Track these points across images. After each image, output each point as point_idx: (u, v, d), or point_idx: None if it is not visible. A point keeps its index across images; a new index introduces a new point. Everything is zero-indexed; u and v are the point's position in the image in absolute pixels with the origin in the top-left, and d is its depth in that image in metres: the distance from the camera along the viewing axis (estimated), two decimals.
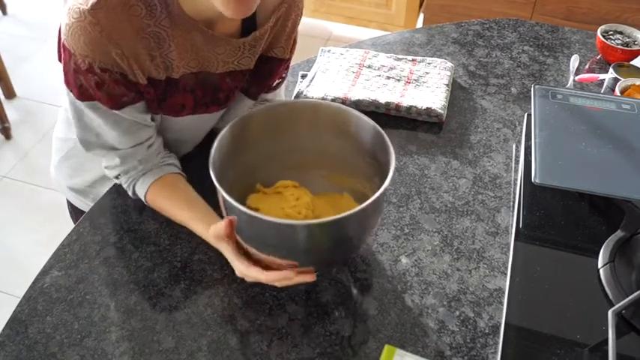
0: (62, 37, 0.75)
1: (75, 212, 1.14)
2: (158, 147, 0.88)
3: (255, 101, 0.98)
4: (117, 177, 0.88)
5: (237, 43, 0.85)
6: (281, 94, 1.04)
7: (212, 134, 0.99)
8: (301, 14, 0.93)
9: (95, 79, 0.76)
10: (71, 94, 0.79)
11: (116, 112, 0.80)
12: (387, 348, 0.59)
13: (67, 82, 0.79)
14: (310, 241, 0.70)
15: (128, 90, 0.79)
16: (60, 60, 0.80)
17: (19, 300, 0.79)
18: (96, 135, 0.83)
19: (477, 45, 1.34)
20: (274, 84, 0.98)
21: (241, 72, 0.90)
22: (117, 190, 0.93)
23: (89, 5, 0.71)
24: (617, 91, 1.11)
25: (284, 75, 1.00)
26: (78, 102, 0.79)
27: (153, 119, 0.88)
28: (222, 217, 0.78)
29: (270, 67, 0.93)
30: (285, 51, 0.93)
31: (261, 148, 0.86)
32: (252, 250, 0.73)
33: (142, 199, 0.88)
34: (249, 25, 0.86)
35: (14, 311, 0.78)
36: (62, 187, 1.08)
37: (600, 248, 0.84)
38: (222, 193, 0.69)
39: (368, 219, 0.73)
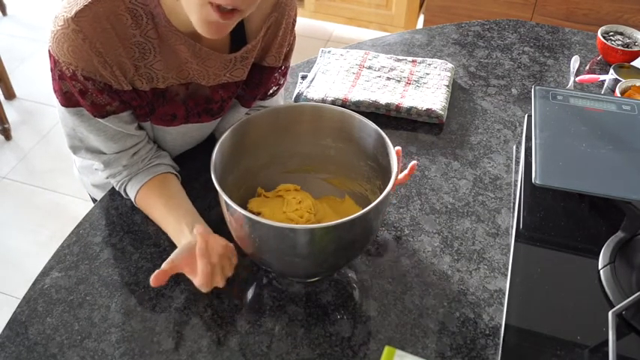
0: (48, 44, 0.75)
1: None
2: (145, 153, 0.88)
3: (249, 109, 0.98)
4: (107, 177, 0.89)
5: (228, 58, 0.85)
6: (279, 101, 1.03)
7: (213, 138, 1.00)
8: (294, 22, 0.92)
9: (79, 87, 0.76)
10: (57, 100, 0.80)
11: (100, 120, 0.80)
12: (387, 349, 0.59)
13: (54, 89, 0.79)
14: (313, 245, 0.70)
15: (112, 99, 0.79)
16: None
17: (18, 301, 0.79)
18: (80, 140, 0.84)
19: (477, 46, 1.34)
20: (270, 91, 0.98)
21: (234, 83, 0.90)
22: (116, 191, 0.93)
23: (73, 13, 0.71)
24: (618, 92, 1.11)
25: (281, 82, 0.98)
26: (63, 108, 0.80)
27: (141, 127, 0.88)
28: (221, 220, 0.78)
29: (261, 76, 0.93)
30: (277, 59, 0.92)
31: (262, 152, 0.86)
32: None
33: (133, 201, 0.89)
34: (238, 36, 0.86)
35: (14, 312, 0.78)
36: (87, 186, 1.09)
37: (601, 249, 0.84)
38: (224, 197, 0.69)
39: (370, 223, 0.73)
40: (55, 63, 0.76)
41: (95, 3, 0.72)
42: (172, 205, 0.84)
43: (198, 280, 0.73)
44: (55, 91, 0.79)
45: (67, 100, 0.78)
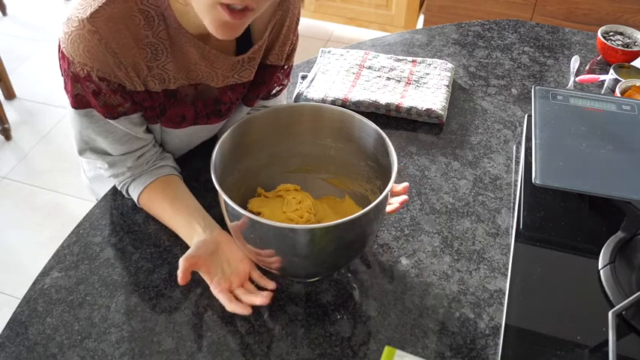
0: (61, 45, 0.75)
1: None
2: (150, 156, 0.88)
3: (251, 107, 0.98)
4: (110, 177, 0.89)
5: (235, 59, 0.85)
6: (282, 101, 1.03)
7: (214, 137, 1.00)
8: (297, 21, 0.92)
9: (92, 88, 0.76)
10: (68, 101, 0.80)
11: (110, 121, 0.80)
12: (387, 349, 0.59)
13: (65, 89, 0.80)
14: (313, 245, 0.70)
15: (124, 100, 0.79)
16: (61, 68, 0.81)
17: (19, 301, 0.79)
18: (86, 142, 0.84)
19: (477, 46, 1.34)
20: (273, 91, 0.98)
21: (242, 84, 0.90)
22: (117, 191, 0.93)
23: (88, 14, 0.72)
24: (618, 92, 1.11)
25: (284, 82, 0.99)
26: (73, 109, 0.80)
27: (150, 130, 0.88)
28: (220, 220, 0.78)
29: (264, 74, 0.93)
30: (280, 57, 0.92)
31: (262, 152, 0.86)
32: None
33: (136, 202, 0.89)
34: (244, 37, 0.86)
35: (14, 312, 0.78)
36: (97, 195, 1.10)
37: (600, 249, 0.84)
38: (223, 197, 0.69)
39: (370, 223, 0.73)
40: (68, 64, 0.76)
41: (109, 4, 0.72)
42: (180, 205, 0.85)
43: (228, 307, 0.75)
44: (67, 92, 0.79)
45: (78, 101, 0.79)
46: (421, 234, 0.89)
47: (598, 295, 0.79)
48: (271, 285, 0.77)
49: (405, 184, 0.86)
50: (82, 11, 0.72)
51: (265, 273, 0.82)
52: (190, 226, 0.82)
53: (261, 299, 0.74)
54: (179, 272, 0.75)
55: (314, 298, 0.80)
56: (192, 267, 0.76)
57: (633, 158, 0.90)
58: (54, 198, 2.12)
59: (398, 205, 0.84)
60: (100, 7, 0.72)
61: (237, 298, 0.76)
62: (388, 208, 0.83)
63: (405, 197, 0.84)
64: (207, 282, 0.77)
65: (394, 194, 0.86)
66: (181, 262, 0.75)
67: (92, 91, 0.76)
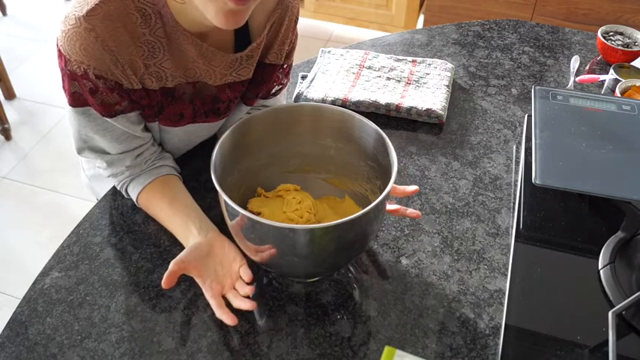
0: (58, 43, 0.75)
1: None
2: (149, 155, 0.88)
3: (251, 107, 0.98)
4: (109, 176, 0.89)
5: (234, 57, 0.85)
6: (282, 100, 1.03)
7: (214, 137, 1.00)
8: (296, 20, 0.92)
9: (89, 86, 0.76)
10: (65, 99, 0.80)
11: (108, 119, 0.80)
12: (387, 349, 0.59)
13: (63, 87, 0.80)
14: (313, 245, 0.70)
15: (122, 98, 0.79)
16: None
17: (19, 301, 0.79)
18: (84, 141, 0.84)
19: (477, 46, 1.34)
20: (273, 90, 0.98)
21: (240, 82, 0.90)
22: (117, 191, 0.93)
23: (85, 12, 0.72)
24: (618, 92, 1.11)
25: (284, 82, 0.98)
26: (70, 107, 0.80)
27: (148, 129, 0.88)
28: (220, 220, 0.78)
29: (263, 73, 0.92)
30: (279, 56, 0.92)
31: (262, 152, 0.86)
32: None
33: (135, 202, 0.89)
34: (242, 35, 0.86)
35: (14, 312, 0.78)
36: (97, 194, 1.10)
37: (600, 249, 0.84)
38: (223, 197, 0.69)
39: (370, 223, 0.73)
40: (65, 62, 0.76)
41: (106, 2, 0.72)
42: (177, 206, 0.85)
43: (217, 314, 0.75)
44: (65, 90, 0.79)
45: (76, 100, 0.79)
46: (421, 234, 0.89)
47: (598, 295, 0.79)
48: (247, 275, 0.77)
49: (415, 187, 0.86)
50: (79, 9, 0.72)
51: (265, 272, 0.82)
52: (186, 227, 0.82)
53: (248, 305, 0.74)
54: (165, 274, 0.74)
55: (314, 298, 0.80)
56: (181, 271, 0.76)
57: (633, 158, 0.90)
58: (54, 198, 2.12)
59: (401, 209, 0.85)
60: (96, 4, 0.72)
61: (228, 302, 0.76)
62: (393, 207, 0.84)
63: (417, 213, 0.86)
64: (200, 285, 0.77)
65: (400, 195, 0.86)
66: (170, 265, 0.75)
67: (89, 89, 0.76)
